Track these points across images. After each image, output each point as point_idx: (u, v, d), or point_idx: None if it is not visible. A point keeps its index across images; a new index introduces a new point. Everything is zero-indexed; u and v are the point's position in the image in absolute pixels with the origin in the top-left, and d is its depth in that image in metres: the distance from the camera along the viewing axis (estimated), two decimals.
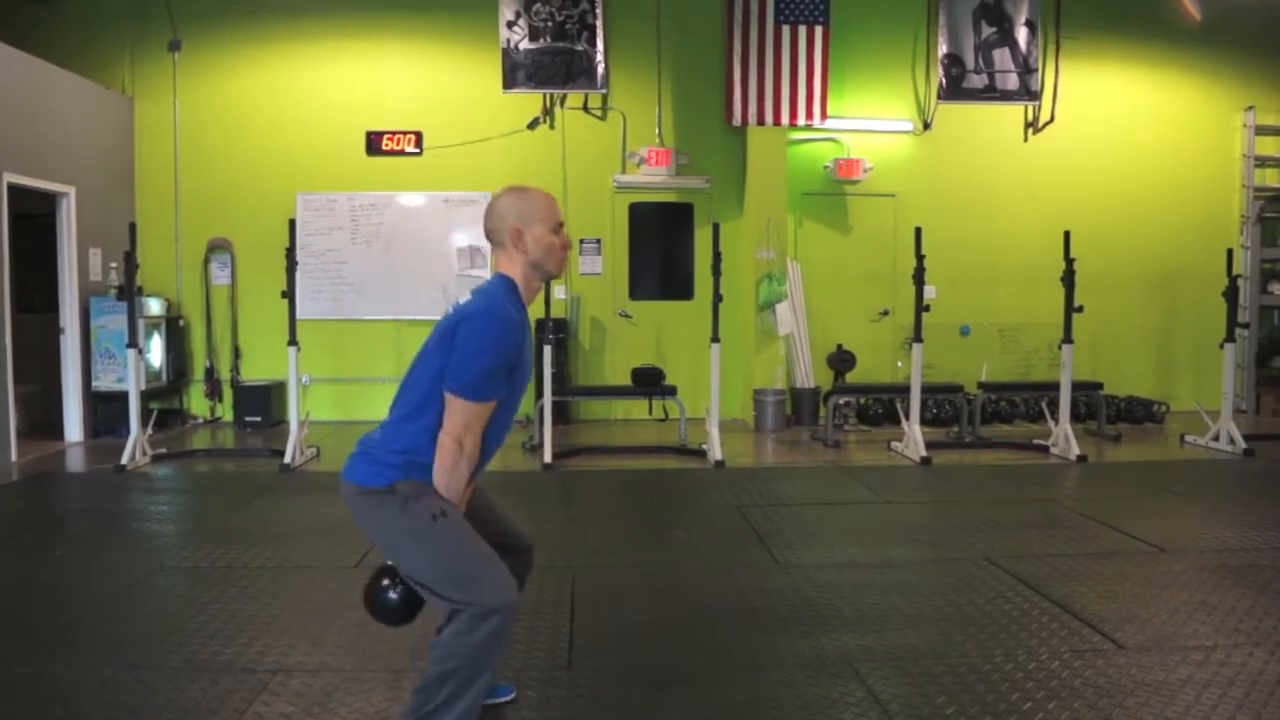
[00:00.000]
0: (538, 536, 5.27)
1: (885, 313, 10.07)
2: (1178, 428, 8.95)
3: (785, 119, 9.36)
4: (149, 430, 7.75)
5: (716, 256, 7.69)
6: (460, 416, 2.56)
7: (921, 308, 7.76)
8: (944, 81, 9.74)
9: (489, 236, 2.80)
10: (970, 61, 9.75)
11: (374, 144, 9.45)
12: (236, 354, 9.68)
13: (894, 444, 8.11)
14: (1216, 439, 8.08)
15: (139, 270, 7.66)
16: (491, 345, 2.57)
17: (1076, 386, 8.20)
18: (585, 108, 9.68)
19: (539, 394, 7.93)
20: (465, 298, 2.71)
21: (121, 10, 9.40)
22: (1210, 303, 8.47)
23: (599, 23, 9.32)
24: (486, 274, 9.68)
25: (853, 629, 3.83)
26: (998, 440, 8.54)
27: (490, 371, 2.57)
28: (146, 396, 8.33)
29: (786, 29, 9.28)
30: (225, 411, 9.68)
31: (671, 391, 8.40)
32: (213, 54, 9.53)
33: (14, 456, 7.58)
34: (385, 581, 2.71)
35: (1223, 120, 10.42)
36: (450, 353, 2.58)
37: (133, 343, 7.48)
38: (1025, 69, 9.78)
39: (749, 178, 9.58)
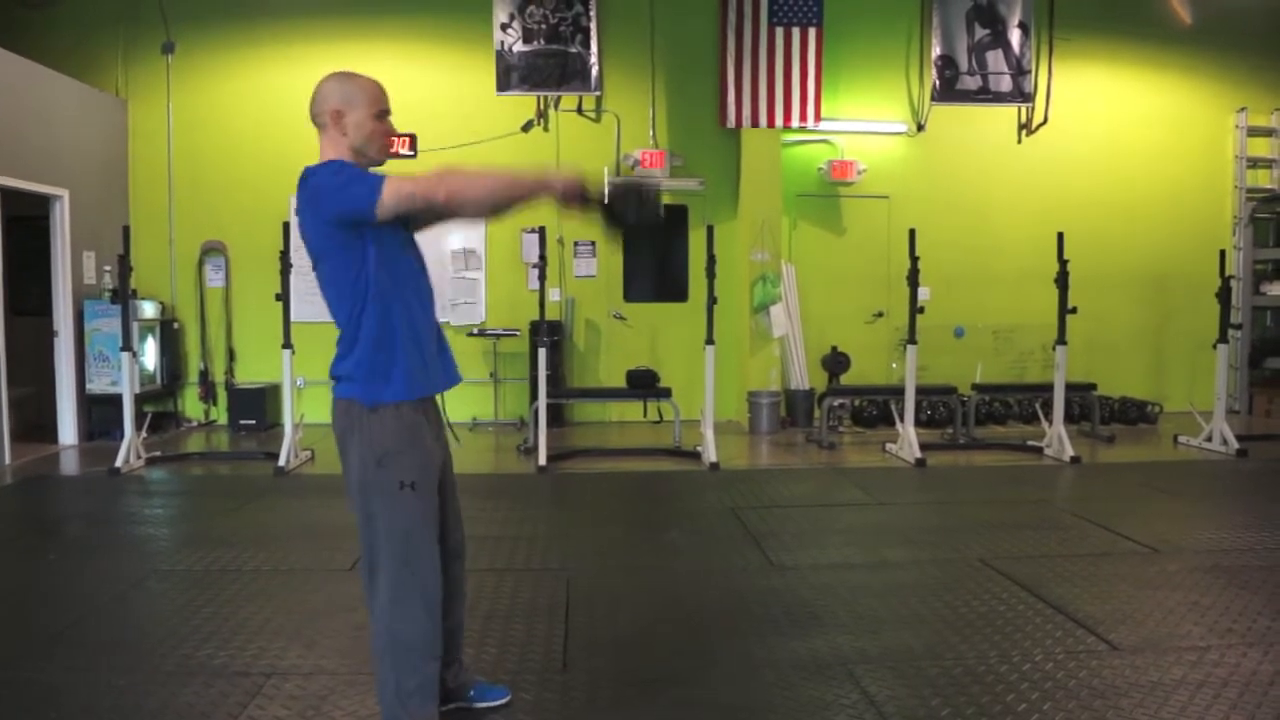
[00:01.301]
0: (532, 539, 5.31)
1: (880, 314, 10.09)
2: (1171, 428, 8.98)
3: (779, 121, 9.37)
4: (143, 433, 7.73)
5: (711, 259, 7.69)
6: (399, 190, 2.52)
7: (916, 309, 7.78)
8: (937, 83, 9.76)
9: (312, 120, 2.74)
10: (964, 63, 9.77)
11: None
12: (231, 357, 9.67)
13: (888, 445, 8.12)
14: (1210, 439, 8.10)
15: (133, 273, 7.64)
16: (333, 177, 2.57)
17: (1070, 388, 8.21)
18: (579, 110, 9.69)
19: (533, 396, 7.91)
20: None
21: (114, 13, 9.38)
22: (1203, 304, 8.49)
23: (593, 25, 9.32)
24: (481, 276, 9.76)
25: (848, 631, 3.84)
26: (992, 441, 8.56)
27: (353, 180, 2.56)
28: (140, 399, 8.31)
29: (780, 31, 9.29)
30: (220, 414, 9.67)
31: (666, 394, 8.40)
32: (206, 56, 9.52)
33: (8, 459, 7.56)
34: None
35: (1215, 121, 10.46)
36: (330, 246, 2.60)
37: (127, 346, 7.45)
38: (1018, 71, 9.81)
39: (743, 180, 9.59)
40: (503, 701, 3.15)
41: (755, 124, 9.37)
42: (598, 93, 9.54)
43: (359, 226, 2.58)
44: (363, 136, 2.70)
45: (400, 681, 2.66)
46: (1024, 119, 10.11)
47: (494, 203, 2.57)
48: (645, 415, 9.13)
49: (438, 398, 2.88)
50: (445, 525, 2.87)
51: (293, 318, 7.52)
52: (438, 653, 2.75)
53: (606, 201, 2.68)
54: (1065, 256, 7.78)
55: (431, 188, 2.54)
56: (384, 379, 2.64)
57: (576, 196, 2.66)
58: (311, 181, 2.62)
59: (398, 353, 2.66)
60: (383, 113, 2.75)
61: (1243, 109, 10.38)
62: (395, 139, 2.80)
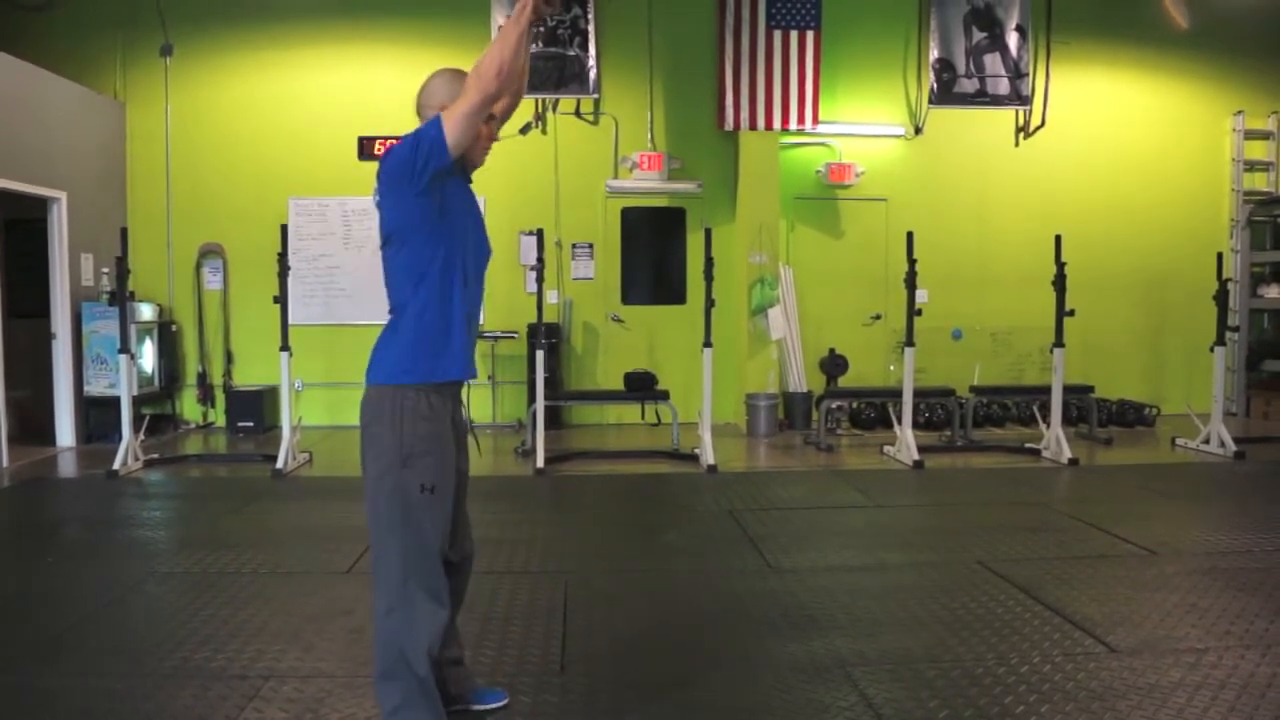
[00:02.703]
0: (530, 541, 5.31)
1: (877, 317, 10.10)
2: (1169, 431, 8.98)
3: (777, 123, 9.38)
4: (141, 436, 7.73)
5: (709, 261, 7.70)
6: (452, 117, 2.58)
7: (913, 312, 7.78)
8: (935, 86, 9.77)
9: (418, 113, 2.76)
10: (961, 66, 9.78)
11: (366, 148, 9.44)
12: (229, 359, 9.66)
13: (886, 448, 8.12)
14: (1207, 442, 8.11)
15: (131, 275, 7.64)
16: (407, 143, 2.62)
17: (1068, 390, 8.22)
18: (577, 113, 9.69)
19: (531, 398, 7.90)
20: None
21: (113, 16, 9.38)
22: (1200, 306, 8.50)
23: (591, 28, 9.33)
24: None
25: (845, 633, 3.84)
26: (990, 444, 8.56)
27: (420, 135, 2.61)
28: (138, 402, 8.31)
29: (778, 34, 9.30)
30: (217, 417, 9.66)
31: (664, 396, 8.41)
32: (204, 59, 9.52)
33: (5, 462, 7.55)
34: None
35: (1212, 125, 10.47)
36: (410, 223, 2.65)
37: (124, 348, 7.46)
38: (1016, 74, 9.82)
39: (741, 182, 9.60)
40: (500, 704, 3.15)
41: (753, 127, 9.38)
42: (596, 95, 9.54)
43: (439, 179, 2.62)
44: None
45: (401, 689, 2.65)
46: (1022, 122, 10.12)
47: (513, 53, 2.54)
48: (643, 418, 9.14)
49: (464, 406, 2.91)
50: (456, 533, 2.86)
51: (290, 320, 7.52)
52: (434, 656, 2.71)
53: None
54: (1063, 259, 7.79)
55: (473, 90, 2.56)
56: (432, 357, 2.67)
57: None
58: (392, 152, 2.66)
59: (453, 331, 2.70)
60: (490, 116, 2.72)
61: (1240, 112, 10.40)
62: (493, 140, 2.83)
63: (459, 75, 2.74)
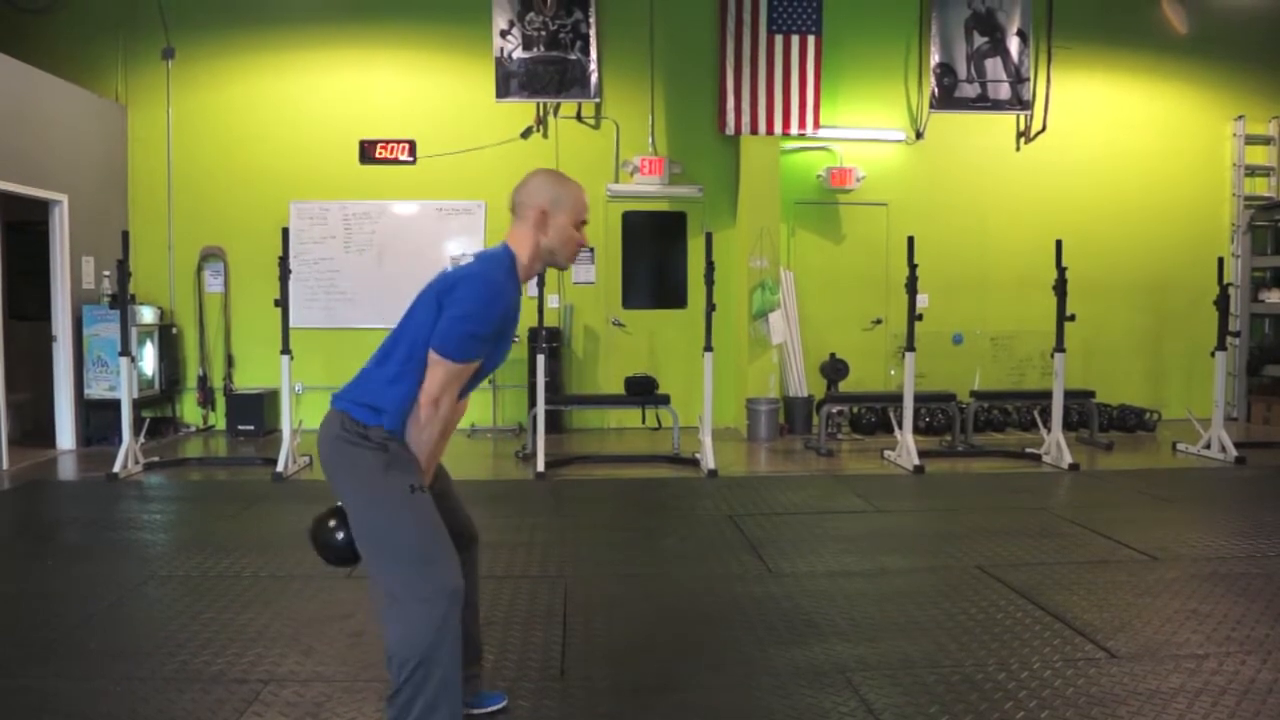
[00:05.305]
0: (530, 545, 5.31)
1: (878, 321, 10.10)
2: (1169, 436, 8.98)
3: (778, 128, 9.39)
4: (141, 438, 7.72)
5: (710, 265, 7.70)
6: (440, 376, 2.60)
7: (914, 316, 7.78)
8: (936, 91, 9.78)
9: (513, 209, 2.79)
10: (962, 71, 9.79)
11: (367, 152, 9.45)
12: (229, 362, 9.66)
13: (887, 452, 8.11)
14: (1208, 447, 8.10)
15: (132, 278, 7.64)
16: (481, 311, 2.61)
17: (1069, 395, 8.22)
18: (578, 116, 9.70)
19: (531, 402, 7.89)
20: (466, 260, 2.72)
21: (115, 19, 9.39)
22: (1202, 311, 8.51)
23: (592, 32, 9.34)
24: None
25: (846, 638, 3.83)
26: (990, 448, 8.55)
27: (476, 336, 2.61)
28: (139, 405, 8.31)
29: (779, 38, 9.31)
30: (218, 420, 9.66)
31: (665, 400, 8.41)
32: (206, 62, 9.53)
33: (5, 464, 7.55)
34: (334, 522, 2.75)
35: (1213, 129, 10.48)
36: (439, 313, 2.62)
37: (125, 351, 7.46)
38: (1017, 78, 9.82)
39: (742, 186, 9.60)
40: (499, 707, 3.15)
41: (754, 131, 9.38)
42: (597, 99, 9.55)
43: None
44: (559, 240, 2.77)
45: (436, 700, 2.52)
46: (1022, 127, 10.12)
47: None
48: (644, 422, 9.13)
49: None
50: (457, 515, 2.92)
51: (291, 323, 7.52)
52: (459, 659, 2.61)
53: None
54: (1064, 264, 7.79)
55: (432, 412, 2.63)
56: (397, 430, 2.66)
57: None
58: (469, 285, 2.63)
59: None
60: (582, 223, 2.82)
61: (1240, 117, 10.41)
62: (583, 245, 2.90)
63: (562, 182, 2.82)
